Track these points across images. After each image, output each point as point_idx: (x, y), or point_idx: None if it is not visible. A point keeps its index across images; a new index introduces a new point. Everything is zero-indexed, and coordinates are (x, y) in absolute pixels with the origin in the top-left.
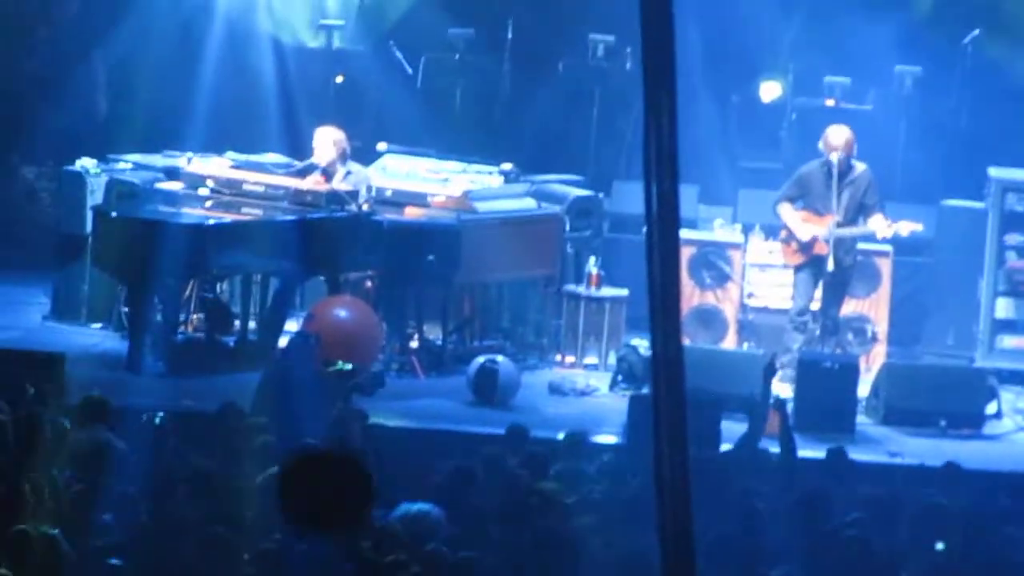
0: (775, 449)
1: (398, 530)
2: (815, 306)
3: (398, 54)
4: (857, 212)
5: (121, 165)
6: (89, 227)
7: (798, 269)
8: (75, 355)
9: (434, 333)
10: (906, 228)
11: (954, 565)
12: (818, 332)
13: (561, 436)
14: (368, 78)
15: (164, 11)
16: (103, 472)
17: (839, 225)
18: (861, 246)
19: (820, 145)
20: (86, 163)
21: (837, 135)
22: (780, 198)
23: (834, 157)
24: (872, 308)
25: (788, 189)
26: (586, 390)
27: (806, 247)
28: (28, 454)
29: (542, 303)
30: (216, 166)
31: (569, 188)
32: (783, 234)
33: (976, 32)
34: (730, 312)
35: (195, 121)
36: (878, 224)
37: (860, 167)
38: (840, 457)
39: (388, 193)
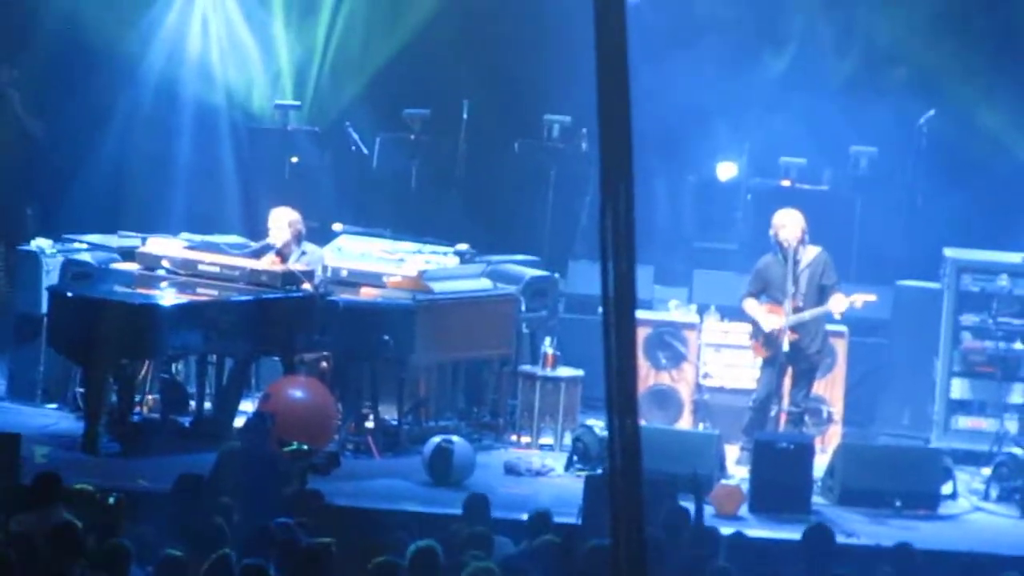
0: (727, 530)
1: None
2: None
3: (354, 134)
4: (818, 295)
5: (76, 245)
6: (44, 307)
7: (766, 361)
8: (30, 435)
9: (390, 413)
10: (860, 300)
11: None
12: (783, 420)
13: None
14: (324, 158)
15: (121, 93)
16: (63, 552)
17: (798, 310)
18: None
19: (771, 232)
20: (41, 243)
21: (788, 220)
22: (745, 295)
23: (786, 243)
24: (828, 389)
25: (750, 285)
26: (542, 470)
27: (771, 339)
28: None
29: (498, 383)
30: (171, 247)
31: (524, 268)
32: (751, 330)
33: (931, 112)
34: (685, 392)
35: (151, 202)
36: (836, 302)
37: (814, 250)
38: (824, 534)
39: (343, 273)
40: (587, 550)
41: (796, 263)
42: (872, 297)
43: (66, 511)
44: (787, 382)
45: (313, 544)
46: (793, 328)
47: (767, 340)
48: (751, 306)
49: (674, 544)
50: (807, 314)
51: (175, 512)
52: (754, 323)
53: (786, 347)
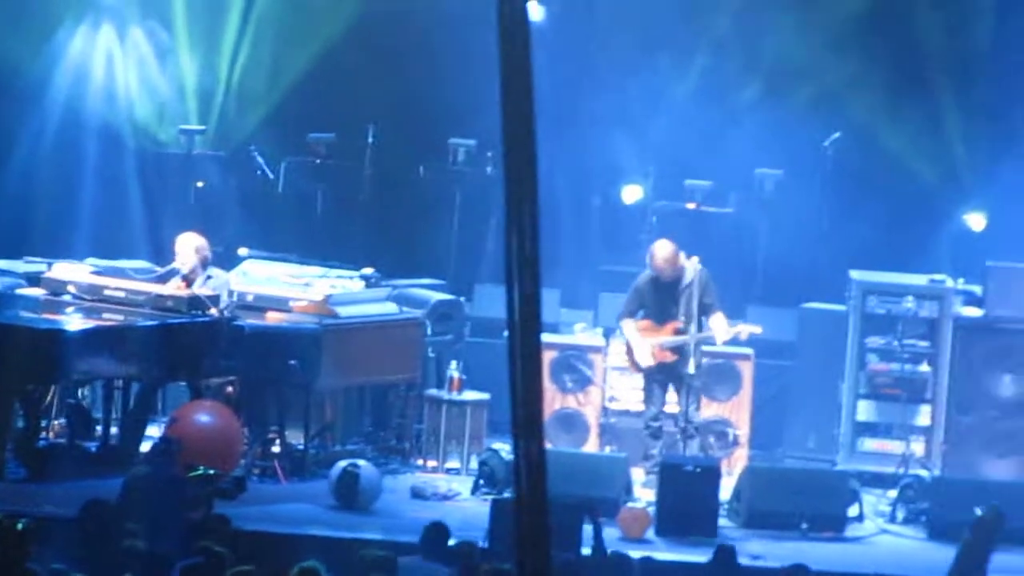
0: (635, 553)
1: None
2: (670, 409)
3: (259, 159)
4: (700, 312)
5: None
6: None
7: (647, 376)
8: None
9: (296, 438)
10: (746, 331)
11: None
12: (678, 436)
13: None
14: (229, 183)
15: (26, 118)
16: None
17: (678, 332)
18: (722, 349)
19: (647, 260)
20: None
21: (661, 254)
22: (622, 315)
23: (660, 272)
24: (733, 411)
25: (628, 304)
26: (448, 494)
27: (643, 368)
28: None
29: (404, 407)
30: (78, 272)
31: (430, 292)
32: (625, 348)
33: (836, 135)
34: (591, 415)
35: (57, 227)
36: (718, 327)
37: (692, 269)
38: (730, 557)
39: (249, 298)
40: (485, 572)
41: (674, 285)
42: (757, 329)
43: None
44: (673, 397)
45: (234, 572)
46: (672, 349)
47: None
48: (627, 327)
49: (581, 568)
50: (690, 338)
51: (82, 538)
52: (629, 347)
53: (663, 359)
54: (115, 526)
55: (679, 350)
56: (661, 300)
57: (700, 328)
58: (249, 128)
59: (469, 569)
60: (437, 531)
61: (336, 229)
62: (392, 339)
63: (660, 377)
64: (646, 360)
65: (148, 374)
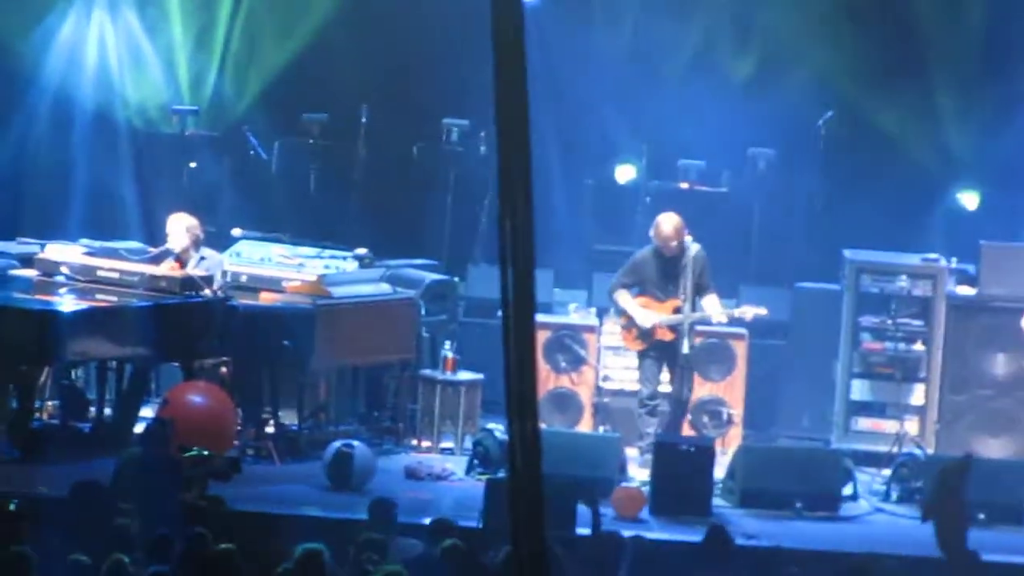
0: (628, 533)
1: None
2: (664, 388)
3: (252, 139)
4: (695, 294)
5: None
6: None
7: (642, 355)
8: None
9: (290, 418)
10: (750, 312)
11: None
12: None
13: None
14: (222, 164)
15: (19, 99)
16: None
17: (676, 311)
18: (717, 328)
19: (651, 233)
20: None
21: (668, 225)
22: (616, 285)
23: (665, 247)
24: (728, 390)
25: (623, 276)
26: (442, 474)
27: (647, 333)
28: None
29: (398, 387)
30: (71, 253)
31: (424, 272)
32: (623, 320)
33: (829, 114)
34: (585, 395)
35: (49, 208)
36: (713, 308)
37: (693, 248)
38: (722, 536)
39: (243, 278)
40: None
41: (675, 262)
42: (763, 311)
43: None
44: (666, 376)
45: (216, 550)
46: (671, 327)
47: (641, 333)
48: (624, 298)
49: (576, 547)
50: (686, 318)
51: (74, 518)
52: (628, 316)
53: (686, 350)
54: (107, 506)
55: (675, 329)
56: (662, 277)
57: (694, 308)
58: (242, 108)
59: (473, 553)
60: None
61: (330, 209)
62: (386, 319)
63: (655, 355)
64: (649, 319)
65: (141, 355)
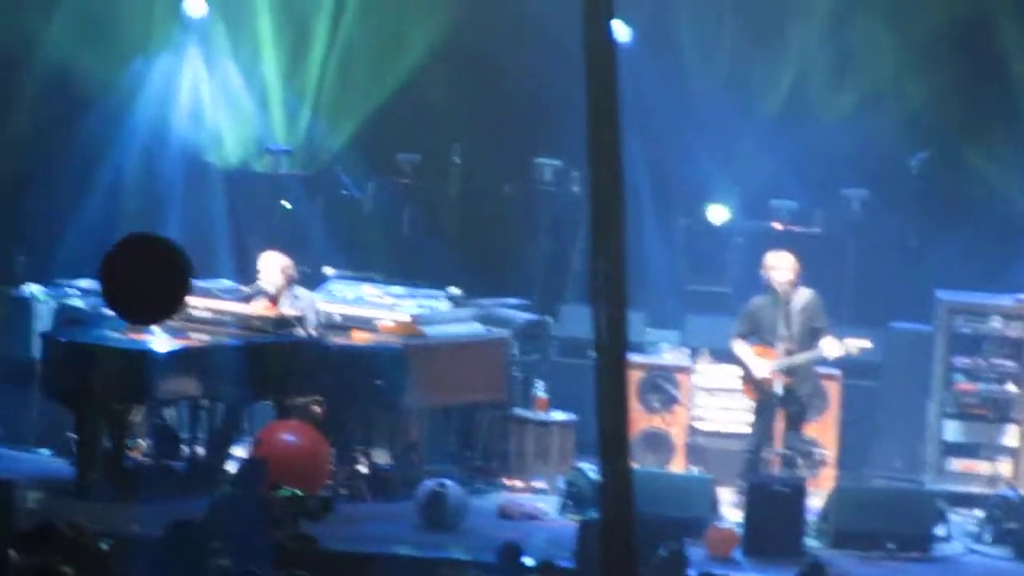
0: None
1: None
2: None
3: (345, 179)
4: (810, 337)
5: (69, 291)
6: (36, 352)
7: (758, 404)
8: (23, 481)
9: (382, 457)
10: (855, 346)
11: None
12: (777, 462)
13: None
14: (315, 203)
15: (112, 136)
16: None
17: (790, 354)
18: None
19: (762, 273)
20: (33, 288)
21: (781, 262)
22: (734, 336)
23: (779, 285)
24: (820, 431)
25: (740, 326)
26: (535, 514)
27: (762, 383)
28: None
29: (490, 427)
30: None
31: (516, 312)
32: (742, 373)
33: (923, 154)
34: (678, 435)
35: None
36: (829, 345)
37: (806, 292)
38: (819, 572)
39: (336, 318)
40: None
41: (788, 305)
42: (867, 343)
43: (58, 556)
44: (779, 425)
45: None
46: (785, 371)
47: (758, 384)
48: (741, 348)
49: None
50: (800, 357)
51: (167, 558)
52: (744, 366)
53: (779, 391)
54: (201, 546)
55: (792, 372)
56: (772, 321)
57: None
58: (335, 148)
59: None
60: (510, 551)
61: (422, 249)
62: (478, 359)
63: (770, 402)
64: (764, 371)
65: (234, 394)
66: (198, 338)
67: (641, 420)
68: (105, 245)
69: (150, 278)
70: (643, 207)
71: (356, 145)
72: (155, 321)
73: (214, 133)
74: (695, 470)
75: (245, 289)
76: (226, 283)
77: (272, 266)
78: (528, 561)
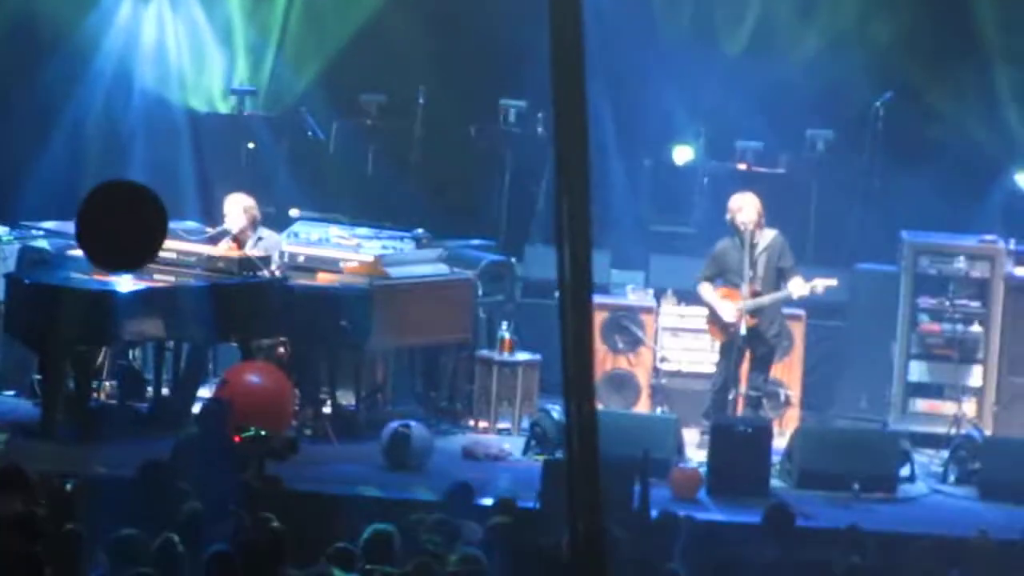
0: (683, 513)
1: None
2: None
3: (310, 119)
4: (776, 278)
5: (33, 232)
6: (1, 295)
7: (723, 345)
8: None
9: (347, 398)
10: (821, 285)
11: None
12: (741, 404)
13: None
14: (280, 144)
15: (76, 78)
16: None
17: (756, 295)
18: None
19: (727, 216)
20: None
21: (745, 204)
22: (700, 279)
23: (743, 226)
24: (785, 372)
25: (706, 269)
26: (500, 454)
27: (728, 324)
28: None
29: (455, 368)
30: None
31: (481, 253)
32: (707, 314)
33: (888, 94)
34: (643, 376)
35: None
36: (796, 285)
37: (771, 233)
38: (785, 516)
39: (300, 259)
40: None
41: (753, 247)
42: (833, 282)
43: (26, 498)
44: (745, 366)
45: (272, 530)
46: (751, 312)
47: (724, 325)
48: (707, 291)
49: (630, 528)
50: (766, 299)
51: (139, 499)
52: (711, 308)
53: (743, 331)
54: (174, 487)
55: (758, 313)
56: (738, 264)
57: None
58: (300, 89)
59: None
60: (463, 491)
61: (387, 190)
62: (443, 299)
63: (735, 343)
64: (730, 314)
65: (199, 335)
66: (163, 279)
67: (606, 361)
68: (69, 186)
69: (127, 225)
70: (608, 148)
71: (320, 86)
72: (133, 268)
73: (178, 74)
74: (660, 411)
75: (210, 230)
76: (191, 224)
77: (237, 207)
78: (486, 501)
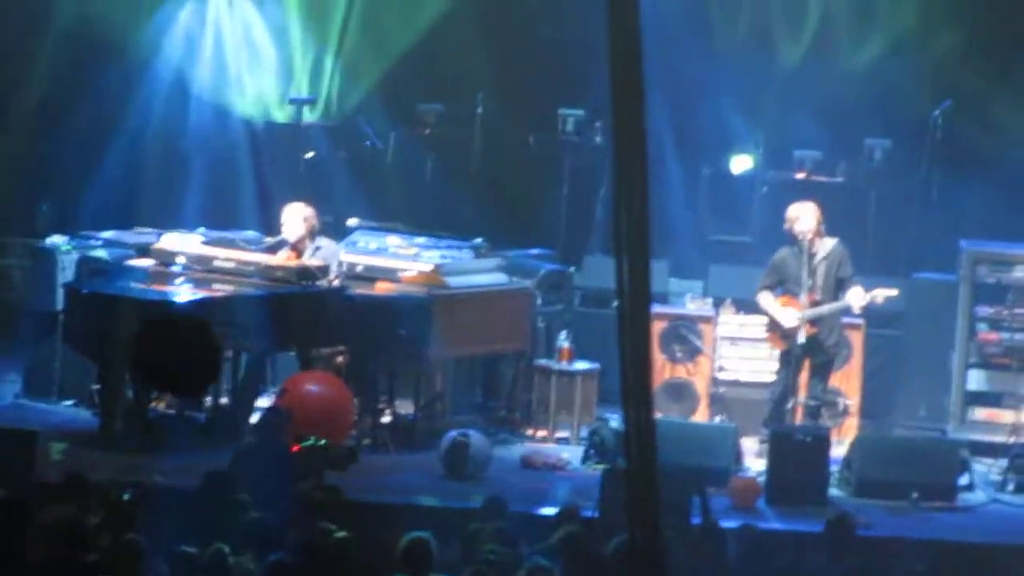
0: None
1: None
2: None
3: (368, 129)
4: (835, 287)
5: (92, 242)
6: (60, 304)
7: (783, 354)
8: (47, 432)
9: (406, 408)
10: (881, 295)
11: None
12: (800, 412)
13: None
14: (338, 153)
15: (135, 87)
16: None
17: (815, 304)
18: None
19: (786, 226)
20: (57, 240)
21: (804, 213)
22: (760, 288)
23: (802, 236)
24: (844, 381)
25: (765, 278)
26: (558, 464)
27: (788, 333)
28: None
29: (514, 377)
30: (187, 242)
31: (540, 262)
32: (767, 323)
33: (947, 103)
34: (701, 385)
35: (167, 198)
36: (854, 295)
37: (831, 242)
38: (846, 523)
39: (359, 268)
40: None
41: (812, 256)
42: (893, 292)
43: (83, 507)
44: (804, 375)
45: (333, 539)
46: (811, 321)
47: (784, 333)
48: (766, 300)
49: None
50: (825, 308)
51: (202, 508)
52: (770, 316)
53: (803, 340)
54: (232, 497)
55: (818, 322)
56: (797, 272)
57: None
58: (358, 99)
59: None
60: (494, 505)
61: (445, 199)
62: (501, 309)
63: (794, 352)
64: (790, 322)
65: (258, 345)
66: (221, 288)
67: (665, 370)
68: (127, 196)
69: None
70: (666, 157)
71: (379, 95)
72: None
73: (237, 83)
74: (719, 420)
75: (268, 240)
76: (249, 233)
77: (295, 216)
78: (547, 510)
